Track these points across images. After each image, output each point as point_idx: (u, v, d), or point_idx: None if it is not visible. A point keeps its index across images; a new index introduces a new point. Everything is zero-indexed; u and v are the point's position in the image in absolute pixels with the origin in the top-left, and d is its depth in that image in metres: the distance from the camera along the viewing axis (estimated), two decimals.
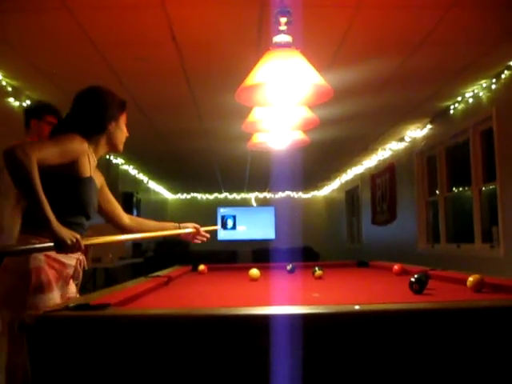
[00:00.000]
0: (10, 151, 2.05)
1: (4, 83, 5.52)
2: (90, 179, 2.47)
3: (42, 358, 1.41)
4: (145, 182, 12.72)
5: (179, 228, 3.05)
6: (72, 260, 2.44)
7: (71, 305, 1.57)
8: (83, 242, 2.18)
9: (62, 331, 1.43)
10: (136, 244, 10.73)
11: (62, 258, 2.35)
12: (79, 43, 4.54)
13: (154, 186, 13.81)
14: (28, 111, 4.45)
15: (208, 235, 3.22)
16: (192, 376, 1.40)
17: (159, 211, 14.95)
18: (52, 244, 2.07)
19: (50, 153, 2.21)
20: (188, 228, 3.09)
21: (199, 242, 3.20)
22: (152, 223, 3.01)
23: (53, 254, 2.28)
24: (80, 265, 2.52)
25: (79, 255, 2.49)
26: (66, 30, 4.29)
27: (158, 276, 2.94)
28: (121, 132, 2.66)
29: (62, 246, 2.09)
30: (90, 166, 2.46)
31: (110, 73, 5.28)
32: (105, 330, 1.44)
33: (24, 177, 2.06)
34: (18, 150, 2.05)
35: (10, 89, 5.65)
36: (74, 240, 2.11)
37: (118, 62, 5.06)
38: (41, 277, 2.27)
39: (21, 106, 5.96)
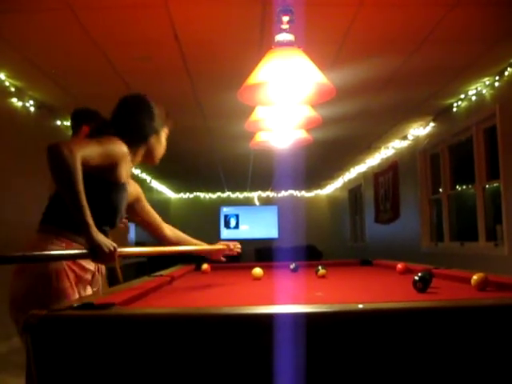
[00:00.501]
0: (54, 147, 1.98)
1: (7, 83, 5.54)
2: (124, 186, 2.40)
3: (46, 357, 1.41)
4: (148, 181, 12.73)
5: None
6: (91, 265, 2.35)
7: (75, 304, 1.57)
8: (118, 252, 2.05)
9: (66, 331, 1.43)
10: (139, 243, 10.73)
11: (83, 261, 2.28)
12: (82, 43, 4.54)
13: (156, 185, 13.82)
14: (80, 116, 4.45)
15: (239, 248, 3.17)
16: (196, 375, 1.40)
17: (162, 210, 14.90)
18: (87, 252, 1.97)
19: (94, 153, 2.14)
20: (219, 246, 3.08)
21: (231, 254, 3.15)
22: (187, 238, 2.99)
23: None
24: (98, 271, 2.45)
25: None
26: (68, 30, 4.29)
27: (162, 275, 2.93)
28: (160, 145, 2.64)
29: (98, 255, 1.97)
30: (125, 173, 2.40)
31: (113, 72, 5.28)
32: (109, 329, 1.44)
33: (67, 176, 1.97)
34: (63, 146, 1.98)
35: (13, 89, 5.67)
36: (112, 249, 2.00)
37: (120, 62, 5.06)
38: (62, 280, 2.19)
39: (24, 106, 5.97)
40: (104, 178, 2.28)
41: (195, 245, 3.00)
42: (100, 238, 1.98)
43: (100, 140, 2.26)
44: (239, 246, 3.15)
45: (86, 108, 4.52)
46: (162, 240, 2.87)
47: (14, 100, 5.79)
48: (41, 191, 6.45)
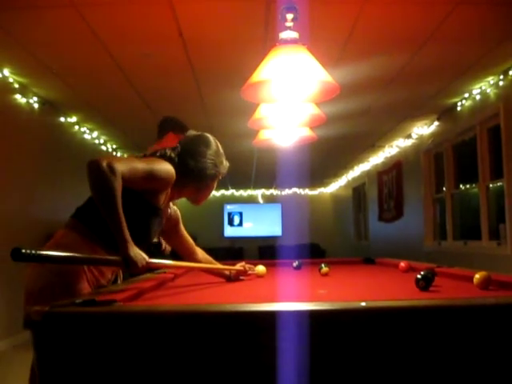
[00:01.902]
0: (95, 163, 1.96)
1: (11, 80, 5.55)
2: (160, 212, 2.38)
3: (48, 353, 1.42)
4: None
5: (229, 271, 2.98)
6: (109, 270, 2.35)
7: (77, 301, 1.57)
8: (149, 263, 2.11)
9: (68, 327, 1.43)
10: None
11: (103, 267, 2.28)
12: (86, 40, 4.54)
13: None
14: (168, 123, 4.51)
15: (253, 271, 3.18)
16: (198, 372, 1.41)
17: None
18: (121, 261, 2.00)
19: (138, 171, 2.13)
20: (237, 267, 3.08)
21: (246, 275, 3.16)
22: (214, 261, 3.00)
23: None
24: (113, 276, 2.44)
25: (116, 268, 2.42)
26: (72, 26, 4.30)
27: (165, 272, 2.94)
28: (210, 191, 2.62)
29: (131, 267, 2.02)
30: (164, 200, 2.39)
31: (117, 69, 5.28)
32: (111, 325, 1.44)
33: (107, 193, 1.98)
34: (105, 162, 1.95)
35: (17, 85, 5.68)
36: (144, 263, 2.05)
37: (124, 58, 5.07)
38: (80, 281, 2.18)
39: (28, 102, 5.98)
40: (144, 199, 2.26)
41: (220, 271, 3.00)
42: (135, 252, 2.02)
43: (150, 161, 2.23)
44: (254, 268, 3.14)
45: (175, 118, 4.66)
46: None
47: (18, 96, 5.80)
48: (43, 187, 6.49)
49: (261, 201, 16.35)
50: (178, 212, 2.77)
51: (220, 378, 1.41)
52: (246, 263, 3.10)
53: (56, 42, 4.65)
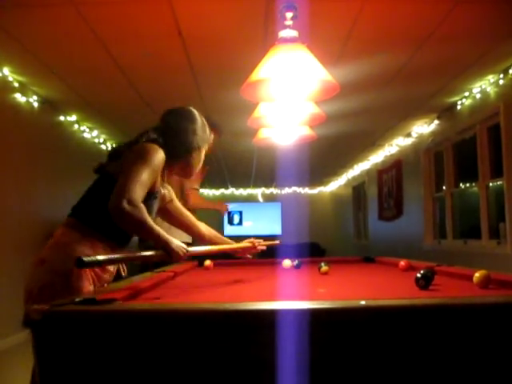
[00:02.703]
0: (116, 209, 2.03)
1: (11, 79, 5.55)
2: (156, 194, 2.44)
3: (48, 352, 1.42)
4: None
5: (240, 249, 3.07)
6: (111, 266, 2.39)
7: (77, 299, 1.57)
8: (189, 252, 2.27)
9: (68, 326, 1.43)
10: (142, 239, 10.73)
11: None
12: (85, 38, 4.54)
13: None
14: None
15: (264, 247, 3.19)
16: (198, 371, 1.41)
17: None
18: (165, 254, 2.17)
19: (147, 185, 2.21)
20: (245, 243, 3.10)
21: (256, 252, 3.19)
22: (219, 235, 3.07)
23: (96, 256, 2.25)
24: (115, 269, 2.46)
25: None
26: (71, 25, 4.29)
27: (164, 271, 2.94)
28: (199, 162, 2.63)
29: (175, 257, 2.19)
30: (159, 180, 2.43)
31: (116, 68, 5.28)
32: (111, 324, 1.44)
33: (142, 228, 2.11)
34: (125, 205, 2.03)
35: (16, 84, 5.68)
36: (185, 251, 2.22)
37: (123, 57, 5.06)
38: (82, 279, 2.21)
39: (27, 101, 5.98)
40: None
41: (226, 243, 3.05)
42: (176, 244, 2.20)
43: (145, 161, 2.23)
44: (263, 242, 3.16)
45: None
46: (197, 237, 2.96)
47: (18, 95, 5.80)
48: (43, 186, 6.49)
49: (261, 200, 16.35)
50: (170, 188, 2.77)
51: (220, 377, 1.41)
52: (255, 239, 3.16)
53: (56, 40, 4.65)
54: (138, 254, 2.20)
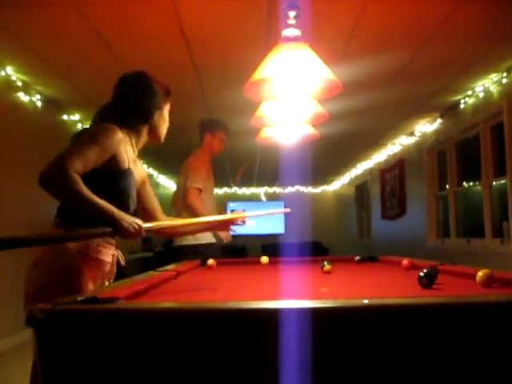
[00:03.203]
0: (46, 177, 1.93)
1: (14, 78, 5.55)
2: (129, 171, 2.34)
3: (50, 351, 1.42)
4: (154, 176, 12.74)
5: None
6: (108, 256, 2.37)
7: (79, 298, 1.57)
8: (144, 228, 2.17)
9: (70, 324, 1.44)
10: (146, 239, 10.76)
11: (99, 254, 2.29)
12: (88, 38, 4.55)
13: (163, 180, 13.83)
14: (203, 125, 4.65)
15: (246, 218, 3.10)
16: (200, 370, 1.41)
17: (169, 206, 14.95)
18: (112, 230, 2.06)
19: (88, 159, 2.08)
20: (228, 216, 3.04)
21: (239, 224, 3.10)
22: (188, 219, 2.92)
23: (90, 251, 2.25)
24: (114, 261, 2.45)
25: (114, 250, 2.43)
26: (75, 24, 4.30)
27: (167, 270, 2.94)
28: (164, 122, 2.58)
29: (124, 233, 2.09)
30: (127, 157, 2.34)
31: (119, 67, 5.27)
32: (113, 323, 1.44)
33: (71, 196, 1.99)
34: (52, 173, 1.94)
35: (20, 84, 5.68)
36: (138, 227, 2.12)
37: (126, 57, 5.07)
38: (77, 277, 2.19)
39: (30, 100, 5.99)
40: (106, 168, 2.22)
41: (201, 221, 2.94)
42: (124, 217, 2.08)
43: (92, 138, 2.18)
44: (246, 215, 3.09)
45: (209, 119, 4.80)
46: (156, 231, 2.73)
47: (21, 94, 5.80)
48: None
49: (264, 199, 16.35)
50: (144, 168, 2.71)
51: (223, 376, 1.41)
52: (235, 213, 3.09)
53: (59, 40, 4.65)
54: (83, 231, 2.09)
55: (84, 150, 2.08)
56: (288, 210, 4.10)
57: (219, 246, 4.91)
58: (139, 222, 2.15)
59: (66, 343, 1.42)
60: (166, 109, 2.61)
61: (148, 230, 2.26)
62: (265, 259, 3.75)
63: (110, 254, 2.38)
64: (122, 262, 2.53)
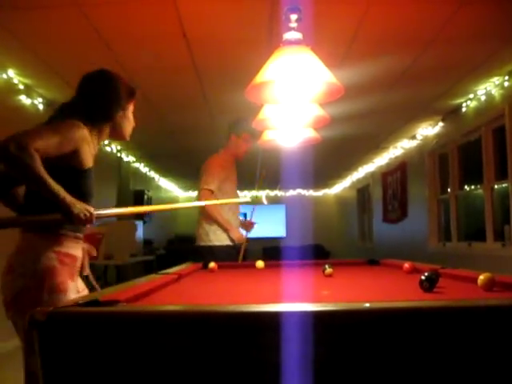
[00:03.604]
0: (5, 148, 1.93)
1: (16, 81, 5.56)
2: (91, 170, 2.35)
3: (52, 353, 1.42)
4: (156, 179, 12.75)
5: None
6: (79, 251, 2.38)
7: (81, 301, 1.57)
8: (94, 215, 2.18)
9: (72, 327, 1.44)
10: (147, 241, 10.76)
11: (72, 251, 2.31)
12: (90, 40, 4.56)
13: (164, 183, 13.85)
14: (230, 125, 4.88)
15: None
16: (201, 373, 1.40)
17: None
18: (62, 216, 2.08)
19: (49, 143, 2.09)
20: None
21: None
22: None
23: (63, 248, 2.26)
24: (84, 255, 2.45)
25: (83, 244, 2.43)
26: (76, 27, 4.31)
27: (168, 273, 2.94)
28: (128, 122, 2.56)
29: (74, 219, 2.09)
30: (90, 155, 2.34)
31: (121, 70, 5.28)
32: (114, 326, 1.45)
33: (26, 171, 1.99)
34: (12, 145, 1.93)
35: (21, 86, 5.69)
36: (88, 214, 2.13)
37: (128, 59, 5.07)
38: (55, 276, 2.20)
39: (32, 103, 5.99)
40: (70, 166, 2.24)
41: None
42: (74, 203, 2.10)
43: (56, 127, 2.21)
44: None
45: (237, 118, 4.81)
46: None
47: (23, 97, 5.81)
48: None
49: (265, 202, 16.34)
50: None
51: (224, 379, 1.40)
52: None
53: (60, 42, 4.66)
54: (31, 217, 2.11)
55: (48, 135, 2.11)
56: (247, 198, 4.18)
57: (234, 248, 4.94)
58: (91, 209, 2.16)
59: (67, 346, 1.42)
60: (130, 109, 2.58)
61: (99, 218, 2.26)
62: (260, 264, 3.74)
63: (80, 248, 2.40)
64: (94, 253, 2.55)
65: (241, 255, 4.93)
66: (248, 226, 5.21)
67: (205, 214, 4.84)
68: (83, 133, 2.27)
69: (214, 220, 4.83)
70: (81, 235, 2.39)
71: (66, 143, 2.17)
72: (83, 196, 2.26)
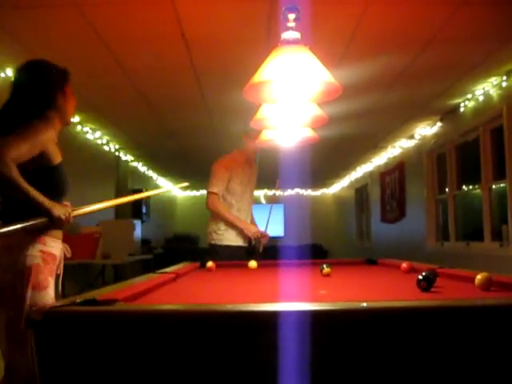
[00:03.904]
0: None
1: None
2: (62, 165, 2.48)
3: (49, 352, 1.42)
4: (154, 178, 12.74)
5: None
6: (59, 250, 2.48)
7: (78, 300, 1.57)
8: (72, 215, 2.38)
9: (69, 326, 1.44)
10: (145, 241, 10.75)
11: (53, 250, 2.41)
12: (88, 40, 4.55)
13: (163, 182, 13.84)
14: (244, 125, 4.91)
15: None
16: (198, 372, 1.41)
17: (168, 208, 14.98)
18: (46, 219, 2.21)
19: (21, 151, 2.20)
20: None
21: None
22: None
23: (46, 248, 2.36)
24: (62, 255, 2.54)
25: (61, 244, 2.52)
26: (74, 26, 4.30)
27: (166, 272, 2.94)
28: (69, 103, 2.64)
29: (57, 221, 2.26)
30: (58, 151, 2.46)
31: (119, 69, 5.29)
32: (112, 325, 1.45)
33: (6, 183, 2.12)
34: None
35: None
36: (68, 214, 2.32)
37: (127, 59, 5.07)
38: (40, 275, 2.31)
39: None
40: (42, 166, 2.35)
41: None
42: (56, 209, 2.26)
43: (25, 134, 2.27)
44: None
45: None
46: None
47: None
48: None
49: (263, 201, 16.35)
50: None
51: (221, 379, 1.41)
52: None
53: (59, 41, 4.65)
54: (16, 224, 2.16)
55: (19, 144, 2.20)
56: (186, 183, 4.39)
57: (242, 248, 5.11)
58: (69, 209, 2.35)
59: (64, 345, 1.42)
60: (69, 90, 2.67)
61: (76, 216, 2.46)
62: (253, 264, 3.75)
63: (59, 248, 2.49)
64: (68, 255, 2.62)
65: (260, 249, 5.29)
66: (263, 237, 5.38)
67: (213, 215, 5.00)
68: (48, 134, 2.38)
69: (224, 221, 4.94)
70: (60, 235, 2.50)
71: (34, 148, 2.29)
72: (59, 192, 2.43)
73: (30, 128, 2.31)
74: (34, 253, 2.31)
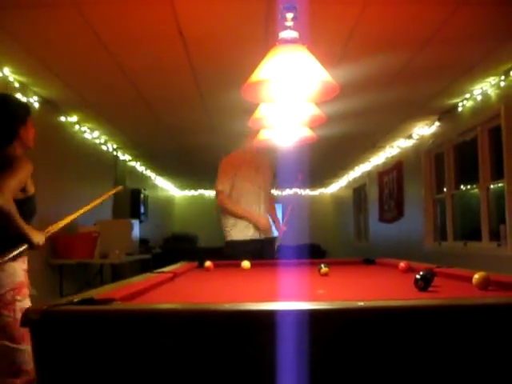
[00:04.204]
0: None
1: (11, 79, 5.54)
2: (35, 195, 2.90)
3: (46, 351, 1.42)
4: (152, 178, 12.74)
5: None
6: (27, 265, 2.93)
7: (75, 299, 1.57)
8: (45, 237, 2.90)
9: (66, 325, 1.43)
10: (143, 240, 10.74)
11: (26, 266, 2.87)
12: (86, 39, 4.54)
13: (161, 182, 13.83)
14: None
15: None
16: (196, 372, 1.40)
17: (166, 208, 14.97)
18: (27, 246, 2.73)
19: (16, 188, 2.65)
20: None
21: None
22: None
23: (25, 265, 2.86)
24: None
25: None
26: (73, 25, 4.29)
27: (164, 272, 2.94)
28: (30, 131, 2.98)
29: (37, 247, 2.78)
30: (31, 182, 2.87)
31: (117, 69, 5.28)
32: (109, 324, 1.44)
33: (7, 216, 2.55)
34: (3, 201, 2.51)
35: (17, 85, 5.67)
36: (43, 239, 2.84)
37: (125, 58, 5.06)
38: (24, 288, 2.80)
39: (28, 102, 5.97)
40: (19, 196, 2.72)
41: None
42: (38, 237, 2.79)
43: (15, 172, 2.67)
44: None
45: None
46: None
47: (19, 96, 5.79)
48: (43, 187, 6.48)
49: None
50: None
51: (219, 378, 1.40)
52: None
53: (56, 40, 4.64)
54: (14, 252, 2.66)
55: (15, 182, 2.64)
56: (120, 187, 4.56)
57: (252, 242, 5.13)
58: (43, 237, 2.84)
59: (61, 344, 1.41)
60: (30, 122, 3.00)
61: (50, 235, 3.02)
62: (246, 264, 3.76)
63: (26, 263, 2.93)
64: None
65: (275, 249, 5.36)
66: (278, 227, 5.47)
67: (223, 212, 5.17)
68: (30, 166, 2.78)
69: (234, 215, 5.07)
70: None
71: (22, 182, 2.73)
72: (29, 217, 2.86)
73: (16, 166, 2.69)
74: (21, 272, 2.79)
